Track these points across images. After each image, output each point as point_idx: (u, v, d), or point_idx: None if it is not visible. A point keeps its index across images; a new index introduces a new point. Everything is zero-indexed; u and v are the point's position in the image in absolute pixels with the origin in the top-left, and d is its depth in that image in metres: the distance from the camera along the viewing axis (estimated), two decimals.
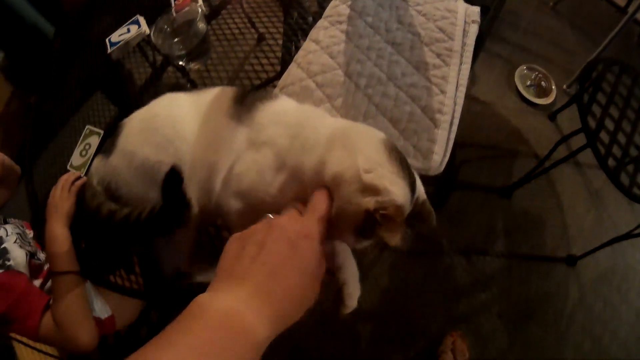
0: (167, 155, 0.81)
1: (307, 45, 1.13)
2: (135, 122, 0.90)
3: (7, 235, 1.10)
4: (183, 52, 1.12)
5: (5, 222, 1.17)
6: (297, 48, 1.16)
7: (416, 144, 0.94)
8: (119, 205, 0.86)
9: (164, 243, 0.90)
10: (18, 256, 1.08)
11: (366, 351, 1.98)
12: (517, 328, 2.01)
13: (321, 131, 0.70)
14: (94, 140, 1.26)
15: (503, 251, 2.18)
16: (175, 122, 0.84)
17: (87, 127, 1.29)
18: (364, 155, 0.62)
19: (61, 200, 1.09)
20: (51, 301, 1.03)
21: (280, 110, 0.78)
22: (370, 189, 0.59)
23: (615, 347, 1.98)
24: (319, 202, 0.57)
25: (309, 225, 0.52)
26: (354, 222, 0.59)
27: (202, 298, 0.43)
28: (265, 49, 1.23)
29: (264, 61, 1.20)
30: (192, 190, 0.81)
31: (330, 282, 0.62)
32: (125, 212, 0.83)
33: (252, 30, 1.33)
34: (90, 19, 1.69)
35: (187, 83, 1.30)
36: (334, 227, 0.58)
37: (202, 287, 0.46)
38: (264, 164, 0.73)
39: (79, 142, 1.27)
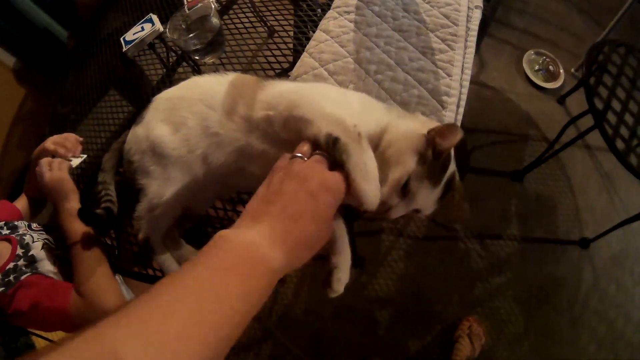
0: (179, 137, 0.87)
1: (318, 35, 1.16)
2: (162, 100, 0.95)
3: (33, 242, 1.09)
4: (198, 46, 1.16)
5: (30, 228, 1.16)
6: (308, 39, 1.19)
7: None
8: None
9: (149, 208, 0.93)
10: (46, 264, 1.07)
11: (384, 337, 2.01)
12: (532, 312, 2.03)
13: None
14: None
15: (516, 235, 2.19)
16: (194, 106, 0.88)
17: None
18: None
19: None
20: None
21: None
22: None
23: (629, 330, 1.99)
24: None
25: (334, 178, 0.57)
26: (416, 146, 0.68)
27: (224, 232, 0.49)
28: (278, 41, 1.26)
29: (277, 52, 1.24)
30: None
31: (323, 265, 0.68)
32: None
33: (263, 24, 1.36)
34: (104, 19, 1.73)
35: None
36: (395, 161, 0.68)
37: None
38: None
39: None
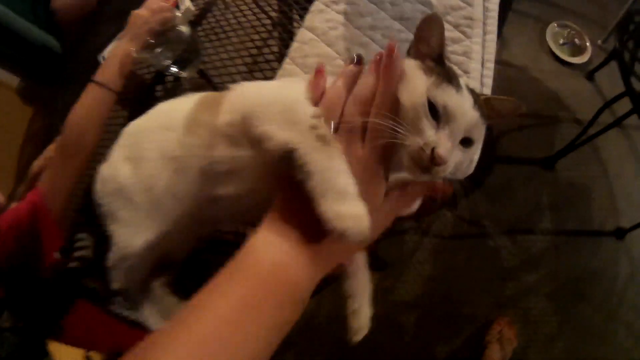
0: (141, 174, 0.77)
1: (301, 35, 1.01)
2: (127, 135, 0.85)
3: None
4: (169, 61, 1.04)
5: None
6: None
7: None
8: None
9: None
10: None
11: (410, 342, 1.93)
12: (566, 310, 1.93)
13: None
14: None
15: (549, 228, 2.07)
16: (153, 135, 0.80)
17: None
18: None
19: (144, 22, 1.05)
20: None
21: None
22: None
23: None
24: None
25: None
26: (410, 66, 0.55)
27: (256, 244, 0.48)
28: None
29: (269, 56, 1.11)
30: None
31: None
32: None
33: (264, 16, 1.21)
34: (91, 34, 1.67)
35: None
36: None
37: None
38: None
39: None
